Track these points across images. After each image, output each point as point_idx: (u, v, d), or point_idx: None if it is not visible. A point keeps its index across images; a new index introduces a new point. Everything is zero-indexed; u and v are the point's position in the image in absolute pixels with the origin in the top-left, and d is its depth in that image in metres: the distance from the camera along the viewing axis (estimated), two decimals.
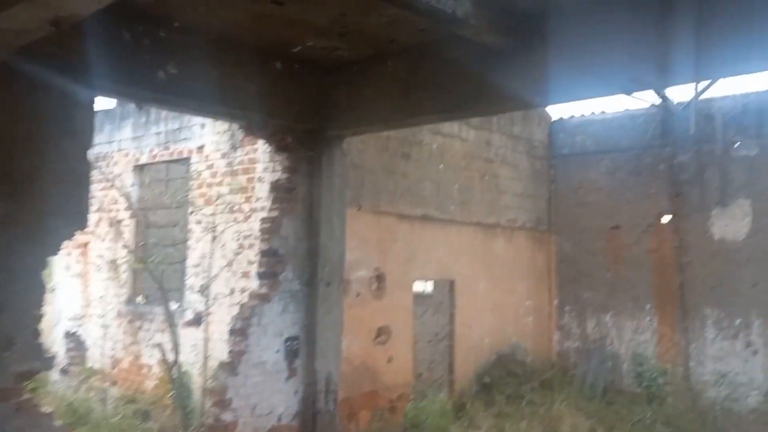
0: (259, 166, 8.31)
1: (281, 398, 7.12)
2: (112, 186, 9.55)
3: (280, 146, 7.25)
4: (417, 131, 8.97)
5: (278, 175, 7.38)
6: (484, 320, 10.07)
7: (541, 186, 11.43)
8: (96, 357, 10.13)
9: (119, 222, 10.41)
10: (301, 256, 7.29)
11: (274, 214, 7.17)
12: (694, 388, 9.72)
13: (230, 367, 6.76)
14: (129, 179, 10.19)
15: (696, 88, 9.68)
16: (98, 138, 10.89)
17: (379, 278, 8.36)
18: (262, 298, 7.01)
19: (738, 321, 9.57)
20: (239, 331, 6.86)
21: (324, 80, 7.00)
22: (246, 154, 8.45)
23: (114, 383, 10.01)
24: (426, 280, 9.54)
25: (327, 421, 7.37)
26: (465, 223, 9.77)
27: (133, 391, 9.64)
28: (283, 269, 7.14)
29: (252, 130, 7.07)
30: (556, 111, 11.87)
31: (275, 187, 7.28)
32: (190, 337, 8.94)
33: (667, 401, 9.55)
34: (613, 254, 10.86)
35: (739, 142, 9.61)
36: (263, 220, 7.21)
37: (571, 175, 11.39)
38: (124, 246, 9.46)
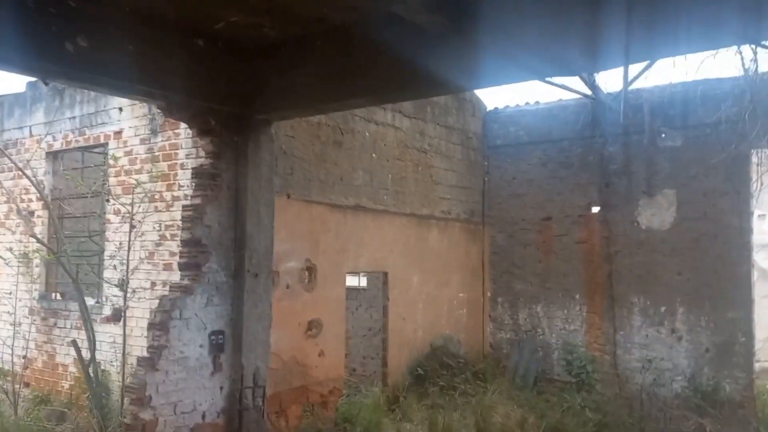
0: (182, 152, 7.90)
1: (205, 395, 6.77)
2: (22, 174, 8.88)
3: (203, 130, 6.87)
4: (349, 119, 8.75)
5: (201, 160, 7.02)
6: (418, 313, 9.96)
7: (475, 177, 11.42)
8: (6, 358, 9.44)
9: (31, 213, 9.75)
10: (226, 246, 6.95)
11: (197, 201, 6.79)
12: (621, 375, 9.91)
13: (149, 362, 6.36)
14: (41, 167, 9.54)
15: (625, 78, 9.84)
16: (7, 123, 10.20)
17: (310, 270, 8.09)
18: (184, 290, 6.63)
19: (663, 308, 9.81)
20: (159, 325, 6.46)
21: (251, 61, 6.68)
22: (167, 140, 8.02)
23: (26, 384, 9.37)
24: (359, 273, 9.34)
25: (254, 418, 7.06)
26: (398, 214, 9.61)
27: (48, 392, 9.04)
28: (207, 260, 6.79)
29: (172, 111, 6.65)
30: (490, 101, 11.90)
31: (198, 173, 6.90)
32: (108, 333, 8.44)
33: (596, 388, 9.70)
34: (544, 245, 10.95)
35: (664, 133, 9.83)
36: (185, 208, 6.82)
37: (505, 167, 11.43)
38: (36, 238, 8.82)
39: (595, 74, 9.73)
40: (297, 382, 7.83)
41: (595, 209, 10.49)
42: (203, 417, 6.77)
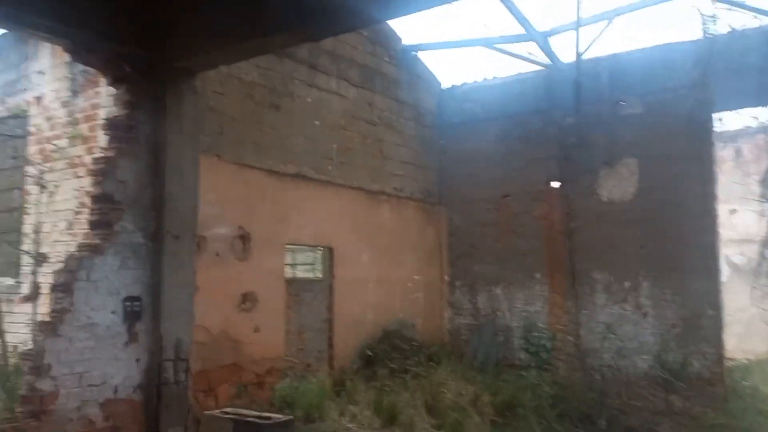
0: (103, 112, 7.31)
1: (118, 367, 6.06)
2: None
3: (117, 77, 6.29)
4: (288, 81, 8.24)
5: (115, 110, 6.43)
6: (368, 293, 9.36)
7: (430, 156, 10.93)
8: None
9: None
10: (143, 205, 6.31)
11: (110, 154, 6.18)
12: (584, 355, 9.35)
13: (49, 327, 5.68)
14: None
15: (578, 45, 9.46)
16: None
17: (244, 238, 7.50)
18: (93, 250, 5.96)
19: (627, 284, 9.31)
20: (62, 287, 5.78)
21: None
22: (88, 100, 7.44)
23: None
24: (299, 245, 8.74)
25: (175, 394, 6.38)
26: (345, 187, 9.07)
27: None
28: (120, 218, 6.14)
29: (81, 54, 6.08)
30: (445, 79, 11.45)
31: (112, 124, 6.28)
32: (27, 314, 7.73)
33: (556, 368, 9.12)
34: (503, 224, 10.45)
35: (624, 101, 9.43)
36: (96, 161, 6.21)
37: (461, 145, 10.95)
38: None
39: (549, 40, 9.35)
40: (228, 359, 7.17)
41: (555, 184, 10.02)
42: (115, 391, 6.05)
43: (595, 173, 9.69)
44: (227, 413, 5.75)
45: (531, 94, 10.33)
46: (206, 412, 5.88)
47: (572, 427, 7.36)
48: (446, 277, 10.89)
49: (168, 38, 6.13)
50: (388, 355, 8.86)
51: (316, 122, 8.58)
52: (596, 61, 9.76)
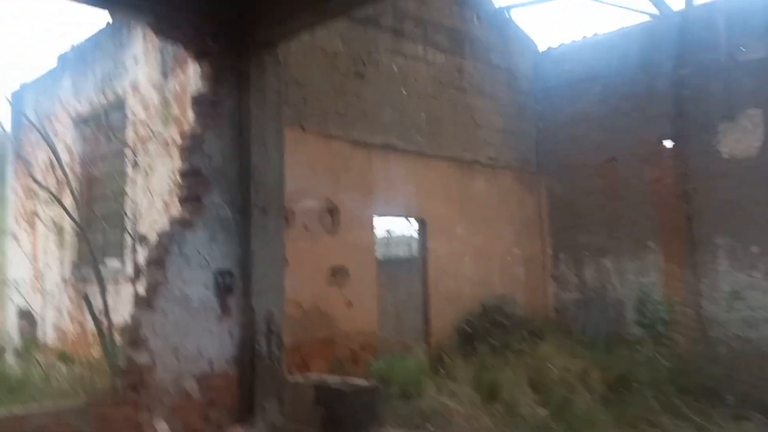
0: (190, 90, 7.39)
1: (212, 341, 6.06)
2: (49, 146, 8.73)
3: (200, 52, 6.28)
4: (372, 50, 7.98)
5: (200, 87, 6.44)
6: (465, 267, 8.97)
7: (526, 123, 10.33)
8: (47, 329, 9.28)
9: (64, 183, 9.60)
10: (230, 178, 6.27)
11: (196, 129, 6.19)
12: (707, 326, 8.48)
13: (145, 301, 5.76)
14: (70, 134, 9.37)
15: None
16: (42, 98, 10.19)
17: (332, 211, 7.34)
18: (183, 224, 5.98)
19: (755, 248, 8.32)
20: (156, 261, 5.85)
21: None
22: (178, 81, 7.54)
23: (63, 354, 9.14)
24: (390, 216, 8.48)
25: (269, 367, 6.33)
26: (436, 157, 8.71)
27: (79, 360, 8.75)
28: (208, 192, 6.12)
29: (163, 29, 6.09)
30: (541, 41, 10.78)
31: (197, 100, 6.28)
32: (131, 294, 8.02)
33: (675, 342, 8.32)
34: (610, 191, 9.68)
35: (745, 46, 8.40)
36: (182, 136, 6.25)
37: (560, 109, 10.26)
38: (65, 208, 8.59)
39: None
40: (321, 334, 7.05)
41: (668, 143, 9.14)
42: (210, 364, 6.08)
43: (713, 129, 8.74)
44: (310, 379, 5.59)
45: (636, 49, 9.47)
46: (289, 379, 5.74)
47: (695, 403, 6.67)
48: (549, 250, 10.28)
49: (249, 10, 6.05)
50: (488, 331, 8.44)
51: (403, 91, 8.28)
52: (710, 5, 8.78)
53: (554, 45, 10.62)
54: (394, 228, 11.66)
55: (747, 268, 8.38)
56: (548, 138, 10.35)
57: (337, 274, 7.32)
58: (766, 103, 8.30)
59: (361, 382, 5.43)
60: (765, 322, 8.16)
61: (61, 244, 9.37)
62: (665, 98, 9.17)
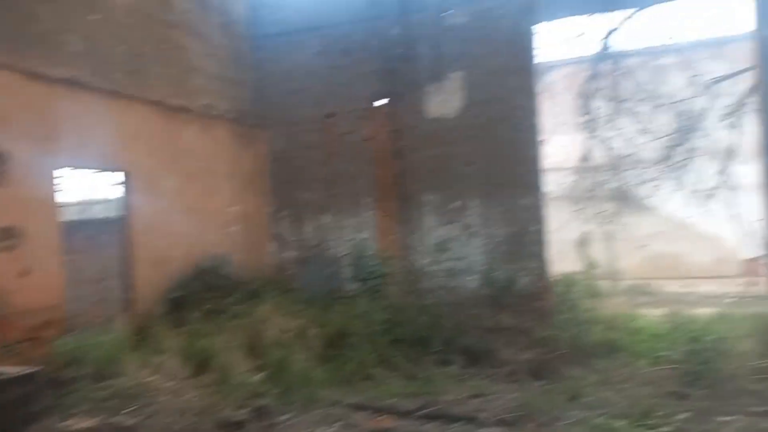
0: None
1: None
2: None
3: None
4: None
5: None
6: (176, 226, 8.07)
7: (244, 72, 9.65)
8: None
9: None
10: None
11: None
12: (416, 279, 8.93)
13: None
14: None
15: None
16: None
17: None
18: None
19: (457, 203, 8.95)
20: None
21: None
22: None
23: None
24: (84, 169, 7.17)
25: None
26: (139, 100, 7.57)
27: None
28: None
29: None
30: None
31: None
32: None
33: (389, 295, 8.60)
34: (329, 147, 9.58)
35: (451, 10, 8.83)
36: None
37: (279, 59, 9.79)
38: None
39: None
40: None
41: (381, 101, 9.29)
42: None
43: (422, 89, 9.09)
44: None
45: (354, 2, 9.38)
46: None
47: (407, 351, 6.87)
48: (269, 207, 9.84)
49: None
50: (201, 295, 7.71)
51: (93, 16, 6.93)
52: None
53: None
54: (100, 185, 10.10)
55: (450, 222, 8.97)
56: (268, 89, 9.81)
57: (7, 236, 5.88)
58: (467, 67, 8.87)
59: (11, 370, 4.34)
60: (463, 271, 8.85)
61: None
62: (379, 56, 9.27)
